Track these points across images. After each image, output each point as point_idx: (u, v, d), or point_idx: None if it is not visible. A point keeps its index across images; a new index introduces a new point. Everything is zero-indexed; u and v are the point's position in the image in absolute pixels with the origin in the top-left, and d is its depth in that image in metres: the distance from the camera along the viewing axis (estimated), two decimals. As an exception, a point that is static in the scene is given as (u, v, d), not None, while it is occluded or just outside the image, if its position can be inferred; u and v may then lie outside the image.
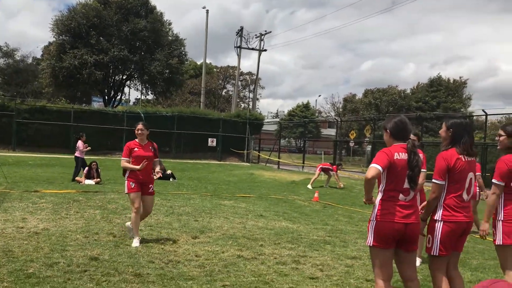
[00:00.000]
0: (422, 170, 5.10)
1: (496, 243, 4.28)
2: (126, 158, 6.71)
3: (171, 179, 17.57)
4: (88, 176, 14.67)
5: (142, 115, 32.93)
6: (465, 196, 4.00)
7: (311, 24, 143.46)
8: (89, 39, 37.30)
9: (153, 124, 32.47)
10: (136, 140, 6.81)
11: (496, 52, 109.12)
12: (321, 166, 18.83)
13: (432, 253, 3.96)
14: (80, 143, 15.45)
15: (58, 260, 5.40)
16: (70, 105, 35.53)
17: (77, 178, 14.81)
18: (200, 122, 34.43)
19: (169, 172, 18.08)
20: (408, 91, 56.29)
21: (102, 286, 4.58)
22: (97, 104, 47.10)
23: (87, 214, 8.66)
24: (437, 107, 48.84)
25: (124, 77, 43.97)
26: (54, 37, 39.26)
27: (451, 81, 53.99)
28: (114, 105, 42.95)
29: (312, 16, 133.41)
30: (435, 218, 3.99)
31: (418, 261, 5.91)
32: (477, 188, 8.90)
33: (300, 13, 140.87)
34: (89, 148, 15.67)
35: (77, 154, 15.46)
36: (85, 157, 15.58)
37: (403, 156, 3.72)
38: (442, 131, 4.17)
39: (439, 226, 3.94)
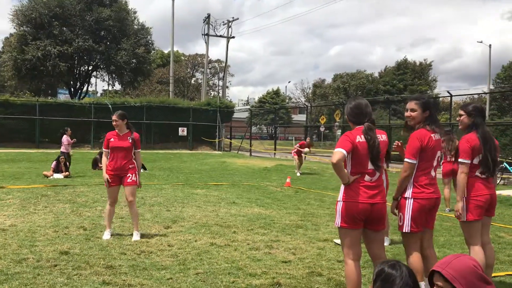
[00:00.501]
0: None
1: (461, 220, 4.41)
2: (105, 149, 6.62)
3: (142, 170, 17.38)
4: (57, 170, 14.37)
5: (110, 106, 32.38)
6: (432, 173, 4.11)
7: (279, 10, 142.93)
8: (51, 29, 36.28)
9: (122, 115, 32.21)
10: (116, 130, 6.72)
11: (461, 34, 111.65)
12: (296, 149, 18.31)
13: (404, 230, 4.04)
14: (64, 138, 15.24)
15: (27, 256, 5.29)
16: (35, 98, 34.62)
17: (44, 172, 14.49)
18: (169, 112, 34.11)
19: (139, 163, 17.88)
20: (376, 74, 57.09)
21: (73, 280, 4.52)
22: (63, 96, 46.00)
23: (56, 209, 8.50)
24: (404, 90, 49.72)
25: (90, 68, 43.07)
26: (14, 28, 38.09)
27: (417, 63, 55.00)
28: (81, 97, 42.05)
29: (280, 2, 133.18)
30: (405, 196, 4.07)
31: (386, 241, 6.04)
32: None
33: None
34: (74, 140, 15.54)
35: (62, 149, 15.23)
36: (61, 151, 15.23)
37: (364, 139, 3.78)
38: (417, 114, 4.13)
39: (409, 203, 4.03)
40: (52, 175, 14.15)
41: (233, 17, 43.17)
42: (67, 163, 14.80)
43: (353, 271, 3.74)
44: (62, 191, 10.88)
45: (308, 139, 19.69)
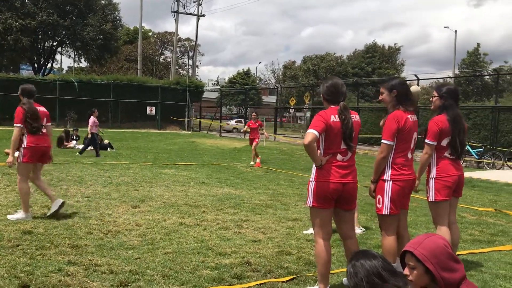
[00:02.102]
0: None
1: (429, 200, 4.49)
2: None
3: (108, 149, 17.05)
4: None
5: (75, 83, 31.51)
6: (409, 155, 4.12)
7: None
8: (13, 2, 34.74)
9: (88, 93, 31.48)
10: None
11: (429, 19, 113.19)
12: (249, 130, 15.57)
13: (383, 213, 4.02)
14: (91, 119, 15.09)
15: (-12, 236, 5.09)
16: (-5, 74, 33.33)
17: (6, 150, 13.97)
18: (137, 90, 33.47)
19: (106, 142, 17.53)
20: (345, 57, 57.46)
21: (36, 260, 4.38)
22: (26, 72, 44.39)
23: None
24: (372, 73, 50.28)
25: (54, 44, 41.64)
26: (-27, -1, 36.26)
27: (386, 47, 55.61)
28: (45, 74, 40.71)
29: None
30: (384, 178, 4.04)
31: (359, 230, 5.97)
32: None
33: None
34: (96, 122, 15.33)
35: (93, 130, 15.06)
36: (90, 132, 15.06)
37: (338, 118, 3.75)
38: (385, 96, 4.13)
39: (388, 185, 4.00)
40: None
41: (203, -5, 42.42)
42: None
43: (324, 250, 3.75)
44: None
45: (254, 114, 16.07)
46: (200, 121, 36.49)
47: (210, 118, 38.42)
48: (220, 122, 34.16)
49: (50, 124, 6.59)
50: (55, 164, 11.76)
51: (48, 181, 9.03)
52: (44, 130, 6.38)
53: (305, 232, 5.94)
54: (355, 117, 3.87)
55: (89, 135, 15.07)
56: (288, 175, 11.86)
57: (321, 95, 3.95)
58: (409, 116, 4.05)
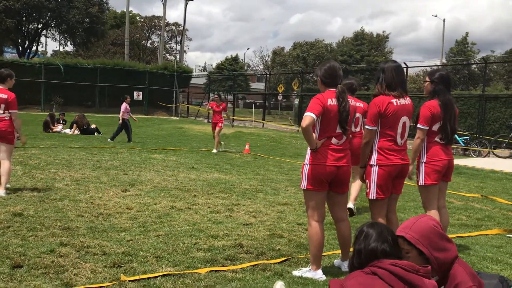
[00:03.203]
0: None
1: (419, 184, 4.54)
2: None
3: (95, 134, 16.91)
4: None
5: (61, 67, 31.07)
6: (399, 140, 4.06)
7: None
8: (-4, -18, 34.00)
9: (74, 77, 31.07)
10: None
11: (418, 7, 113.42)
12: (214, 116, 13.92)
13: (370, 197, 4.06)
14: (123, 105, 15.28)
15: (-23, 218, 5.05)
16: (-22, 56, 32.71)
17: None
18: (124, 75, 33.13)
19: (93, 126, 17.37)
20: (334, 45, 57.39)
21: (28, 241, 4.35)
22: (9, 55, 43.57)
23: (6, 171, 8.12)
24: (361, 61, 50.37)
25: (39, 26, 40.87)
26: (-45, -21, 35.34)
27: (374, 35, 55.63)
28: (30, 57, 40.02)
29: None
30: (370, 163, 4.07)
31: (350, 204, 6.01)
32: None
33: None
34: (128, 109, 15.49)
35: (125, 116, 15.26)
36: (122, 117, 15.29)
37: (335, 102, 3.76)
38: (378, 86, 4.09)
39: (374, 170, 4.02)
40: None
41: (192, -21, 41.92)
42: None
43: (317, 232, 3.79)
44: (12, 153, 10.38)
45: (216, 96, 14.44)
46: (188, 107, 36.30)
47: (197, 104, 38.21)
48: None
49: (14, 111, 6.52)
50: (42, 148, 11.65)
51: (36, 165, 8.94)
52: (1, 115, 6.43)
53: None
54: (351, 101, 3.89)
55: (121, 121, 15.20)
56: (277, 161, 11.90)
57: (318, 78, 3.93)
58: (394, 100, 3.99)
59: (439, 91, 4.48)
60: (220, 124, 13.49)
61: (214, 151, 13.19)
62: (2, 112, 6.44)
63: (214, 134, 13.66)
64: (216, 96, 14.33)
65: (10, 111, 6.48)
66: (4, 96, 6.44)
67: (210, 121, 15.00)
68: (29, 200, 6.04)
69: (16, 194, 6.33)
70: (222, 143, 13.99)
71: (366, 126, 4.05)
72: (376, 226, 2.45)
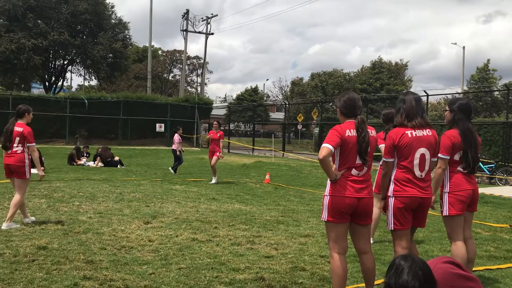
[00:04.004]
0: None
1: (443, 214, 4.46)
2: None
3: (118, 166, 17.15)
4: (32, 165, 13.99)
5: (85, 101, 31.85)
6: (417, 172, 4.02)
7: (259, 8, 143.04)
8: (26, 22, 35.38)
9: (98, 110, 31.77)
10: None
11: (437, 36, 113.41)
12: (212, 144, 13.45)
13: (388, 228, 4.07)
14: (176, 136, 15.69)
15: (3, 251, 5.13)
16: (8, 92, 33.80)
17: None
18: (147, 107, 33.72)
19: (116, 158, 17.64)
20: (352, 74, 57.57)
21: (52, 275, 4.40)
22: (36, 90, 44.98)
23: (31, 204, 8.29)
24: (380, 89, 50.31)
25: (65, 62, 42.21)
26: (-13, 20, 36.98)
27: (393, 63, 55.71)
28: (56, 92, 41.19)
29: (260, 0, 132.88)
30: (388, 194, 4.09)
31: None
32: None
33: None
34: (180, 140, 15.90)
35: (173, 147, 15.71)
36: (172, 148, 15.83)
37: (354, 132, 3.78)
38: (398, 117, 4.14)
39: (391, 201, 4.04)
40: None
41: (212, 14, 43.00)
42: (42, 159, 14.46)
43: (339, 265, 3.74)
44: (37, 186, 10.62)
45: (215, 123, 13.61)
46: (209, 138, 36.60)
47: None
48: (229, 139, 34.23)
49: (30, 144, 6.67)
50: (66, 181, 11.86)
51: (60, 198, 9.09)
52: (14, 149, 6.61)
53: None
54: (371, 132, 3.90)
55: (178, 153, 15.64)
56: (298, 191, 11.84)
57: (337, 109, 3.97)
58: (409, 131, 4.01)
59: (458, 120, 4.45)
60: (217, 153, 13.09)
61: (213, 181, 12.90)
62: (16, 145, 6.60)
63: (210, 163, 13.21)
64: (215, 123, 13.70)
65: (27, 144, 6.64)
66: (20, 129, 6.64)
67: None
68: (53, 233, 6.13)
69: (41, 227, 6.43)
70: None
71: (383, 158, 4.12)
72: (409, 259, 2.35)
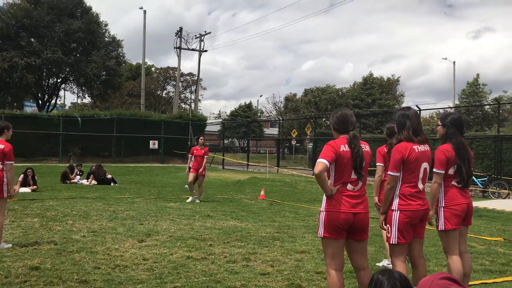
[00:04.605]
0: (378, 164, 5.20)
1: (439, 229, 4.47)
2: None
3: (112, 184, 17.04)
4: (24, 184, 13.91)
5: (79, 119, 31.78)
6: (420, 185, 4.10)
7: (253, 25, 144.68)
8: (19, 40, 35.43)
9: (91, 128, 31.72)
10: None
11: (428, 51, 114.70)
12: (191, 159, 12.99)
13: (391, 242, 4.05)
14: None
15: (-5, 272, 5.05)
16: (0, 111, 33.68)
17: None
18: (140, 124, 33.70)
19: (109, 176, 17.53)
20: (345, 90, 57.98)
21: (45, 296, 4.34)
22: (29, 109, 44.84)
23: (24, 223, 8.20)
24: (372, 104, 50.64)
25: (58, 80, 42.19)
26: (-20, 38, 37.00)
27: (385, 79, 56.19)
28: (49, 110, 41.10)
29: (254, 17, 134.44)
30: (392, 208, 4.09)
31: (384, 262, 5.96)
32: None
33: (242, 14, 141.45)
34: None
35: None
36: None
37: (348, 148, 3.80)
38: (405, 133, 4.17)
39: (396, 215, 4.04)
40: (18, 189, 13.66)
41: (205, 31, 43.30)
42: (35, 177, 14.37)
43: (336, 281, 3.72)
44: (30, 205, 10.52)
45: (201, 139, 12.82)
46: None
47: (212, 151, 38.48)
48: (223, 155, 34.20)
49: (10, 162, 6.40)
50: (59, 199, 11.76)
51: (53, 216, 9.01)
52: None
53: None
54: (365, 147, 3.92)
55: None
56: (293, 207, 11.81)
57: (331, 125, 4.02)
58: (415, 146, 4.08)
59: (451, 134, 4.50)
60: (204, 173, 12.49)
61: (191, 199, 12.36)
62: None
63: (190, 181, 12.45)
64: (201, 138, 12.91)
65: (6, 162, 6.37)
66: (1, 146, 6.47)
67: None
68: (46, 253, 6.05)
69: (33, 247, 6.35)
70: (186, 186, 13.12)
71: (390, 172, 4.09)
72: (388, 274, 2.41)
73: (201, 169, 12.37)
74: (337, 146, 3.78)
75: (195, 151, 12.63)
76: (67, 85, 44.18)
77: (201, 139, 12.91)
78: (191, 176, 12.49)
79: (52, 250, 6.21)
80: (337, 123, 3.94)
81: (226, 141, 44.15)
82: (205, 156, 12.58)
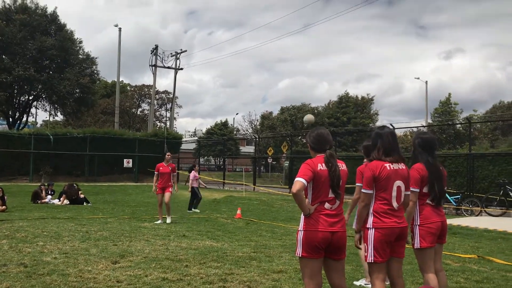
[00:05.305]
0: (357, 184, 5.18)
1: (415, 247, 4.50)
2: None
3: (84, 203, 16.68)
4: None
5: (51, 137, 31.15)
6: (394, 203, 4.09)
7: (229, 44, 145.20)
8: (-11, 57, 34.75)
9: (63, 147, 31.11)
10: None
11: (401, 70, 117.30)
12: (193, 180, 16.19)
13: (368, 260, 4.03)
14: (192, 174, 16.02)
15: (-40, 298, 4.84)
16: (-32, 128, 32.80)
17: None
18: (114, 143, 33.21)
19: (82, 196, 17.17)
20: (320, 108, 58.66)
21: (13, 322, 4.16)
22: (0, 126, 43.79)
23: (-8, 245, 7.91)
24: (347, 123, 51.31)
25: (30, 98, 41.39)
26: (-51, 55, 36.16)
27: (359, 98, 57.10)
28: (20, 128, 40.20)
29: (230, 36, 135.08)
30: (367, 226, 4.08)
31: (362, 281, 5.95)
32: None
33: (218, 33, 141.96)
34: (197, 176, 16.28)
35: (194, 184, 15.91)
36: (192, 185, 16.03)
37: (325, 167, 3.81)
38: (375, 152, 4.22)
39: (371, 233, 4.03)
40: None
41: (181, 49, 43.38)
42: (4, 197, 13.95)
43: (315, 301, 3.68)
44: (-2, 226, 10.18)
45: (168, 155, 12.73)
46: (177, 173, 36.24)
47: (187, 169, 38.18)
48: (199, 173, 33.95)
49: None
50: (30, 220, 11.42)
51: (23, 238, 8.73)
52: None
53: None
54: (341, 165, 3.93)
55: (190, 189, 15.95)
56: (270, 226, 11.75)
57: (308, 145, 4.03)
58: (387, 164, 4.10)
59: (418, 154, 4.61)
60: (169, 189, 11.90)
61: (168, 221, 11.71)
62: None
63: (160, 204, 11.91)
64: (168, 154, 12.64)
65: None
66: None
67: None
68: (15, 276, 5.83)
69: (2, 270, 6.12)
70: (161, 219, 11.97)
71: (363, 190, 4.11)
72: None
73: (170, 187, 11.89)
74: (315, 165, 3.78)
75: (161, 168, 12.01)
76: (39, 102, 43.41)
77: (167, 155, 12.47)
78: (159, 198, 11.90)
79: (21, 273, 5.99)
80: (314, 142, 3.96)
81: (201, 159, 43.89)
82: (173, 174, 12.06)
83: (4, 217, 12.01)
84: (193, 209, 15.55)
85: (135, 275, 6.08)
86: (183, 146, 42.00)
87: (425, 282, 4.43)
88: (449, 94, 47.08)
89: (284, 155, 35.07)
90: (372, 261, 4.00)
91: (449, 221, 12.76)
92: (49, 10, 39.18)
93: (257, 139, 36.52)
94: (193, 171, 16.25)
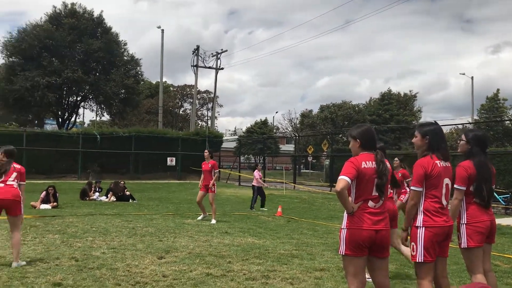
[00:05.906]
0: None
1: (462, 247, 4.39)
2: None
3: (130, 200, 17.17)
4: (45, 201, 14.12)
5: (98, 136, 32.21)
6: (443, 201, 4.05)
7: (268, 43, 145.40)
8: (41, 60, 36.25)
9: (110, 145, 32.09)
10: None
11: (445, 66, 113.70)
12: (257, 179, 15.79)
13: (417, 260, 3.95)
14: (255, 172, 16.06)
15: (18, 288, 5.13)
16: (21, 129, 34.36)
17: (32, 202, 14.22)
18: (158, 142, 33.97)
19: (128, 193, 17.67)
20: (361, 106, 57.75)
21: (67, 312, 4.38)
22: (49, 127, 45.68)
23: (46, 240, 8.31)
24: (390, 120, 50.30)
25: (78, 99, 42.96)
26: (3, 59, 38.04)
27: (402, 94, 55.84)
28: (69, 128, 41.80)
29: (269, 35, 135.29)
30: (416, 225, 4.01)
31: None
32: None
33: (258, 32, 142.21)
34: (260, 175, 16.24)
35: (254, 183, 15.95)
36: (252, 184, 16.09)
37: (371, 164, 3.79)
38: (417, 140, 4.17)
39: (421, 232, 3.96)
40: (39, 206, 13.88)
41: (222, 49, 43.81)
42: (56, 194, 14.57)
43: (358, 300, 3.68)
44: (51, 221, 10.66)
45: (206, 152, 12.38)
46: (219, 171, 36.70)
47: (228, 167, 38.57)
48: (239, 172, 34.23)
49: (22, 182, 6.63)
50: (79, 216, 11.89)
51: (73, 233, 9.11)
52: (9, 183, 6.47)
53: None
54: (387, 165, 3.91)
55: (258, 187, 15.89)
56: (311, 224, 11.73)
57: (356, 140, 3.93)
58: (437, 161, 4.04)
59: (474, 153, 4.44)
60: (213, 189, 11.79)
61: (213, 221, 11.35)
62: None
63: (198, 200, 11.95)
64: (206, 151, 12.42)
65: (20, 182, 6.58)
66: (18, 166, 6.59)
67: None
68: (68, 269, 6.12)
69: (55, 263, 6.43)
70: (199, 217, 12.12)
71: (412, 187, 4.04)
72: None
73: (210, 185, 11.77)
74: (359, 163, 3.77)
75: (202, 166, 12.10)
76: (86, 103, 44.96)
77: (205, 153, 12.32)
78: (199, 194, 12.02)
79: (73, 266, 6.28)
80: (365, 139, 3.90)
81: (242, 158, 44.23)
82: (214, 170, 11.89)
83: (56, 213, 12.56)
84: (261, 209, 15.30)
85: (180, 270, 6.24)
86: (224, 145, 42.44)
87: (473, 283, 4.33)
88: (497, 90, 45.24)
89: (325, 153, 34.80)
90: (422, 260, 3.92)
91: (498, 221, 12.31)
92: (96, 13, 40.53)
93: (297, 137, 36.42)
94: (256, 170, 16.08)
